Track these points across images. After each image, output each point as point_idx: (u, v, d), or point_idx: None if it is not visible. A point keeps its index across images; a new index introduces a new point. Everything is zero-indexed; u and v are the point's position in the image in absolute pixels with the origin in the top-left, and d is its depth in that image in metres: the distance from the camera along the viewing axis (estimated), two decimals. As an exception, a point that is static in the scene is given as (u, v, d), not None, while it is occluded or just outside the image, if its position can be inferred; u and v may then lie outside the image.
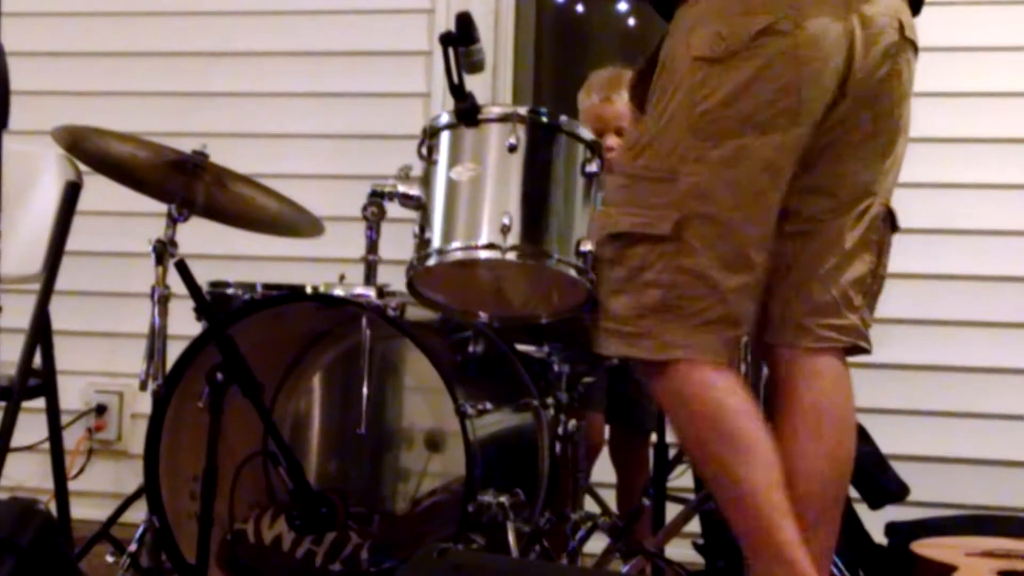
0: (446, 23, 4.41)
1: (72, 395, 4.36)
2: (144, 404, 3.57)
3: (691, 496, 3.31)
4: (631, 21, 5.07)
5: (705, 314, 2.45)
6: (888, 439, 3.60)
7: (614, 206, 2.58)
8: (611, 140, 3.63)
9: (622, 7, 5.07)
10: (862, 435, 3.53)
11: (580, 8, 5.28)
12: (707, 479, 2.59)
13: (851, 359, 2.67)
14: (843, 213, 2.57)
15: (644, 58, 2.60)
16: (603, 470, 3.77)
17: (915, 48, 2.56)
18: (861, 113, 2.51)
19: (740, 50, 2.39)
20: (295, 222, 3.52)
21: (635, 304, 2.49)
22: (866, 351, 2.67)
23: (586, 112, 3.76)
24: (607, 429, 3.81)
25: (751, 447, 2.45)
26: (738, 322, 2.50)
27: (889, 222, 2.66)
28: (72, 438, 4.33)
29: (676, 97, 2.45)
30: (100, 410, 4.69)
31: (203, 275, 3.14)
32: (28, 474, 4.30)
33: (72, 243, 3.54)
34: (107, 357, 4.66)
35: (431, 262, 2.92)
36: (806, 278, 2.59)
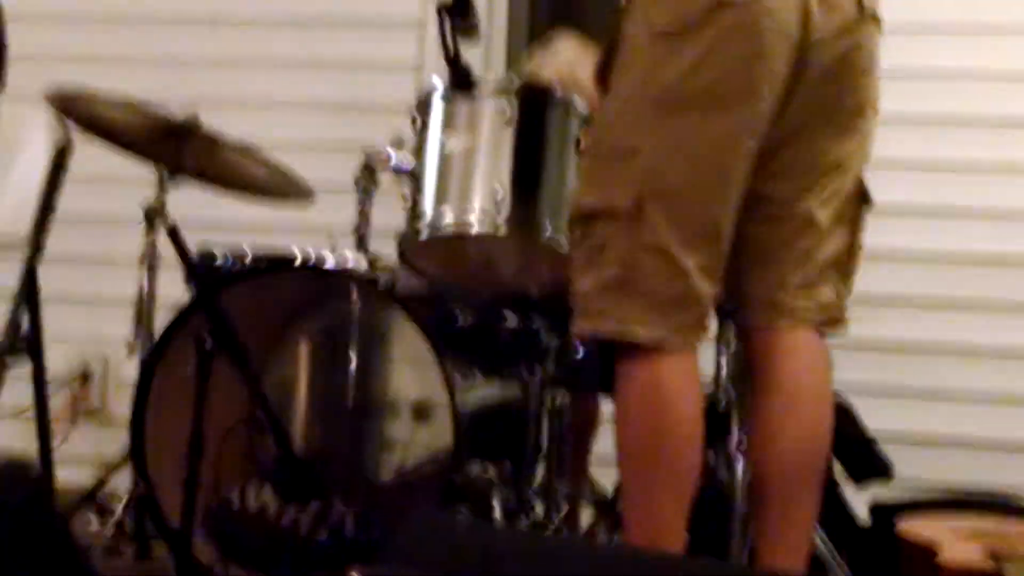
0: (439, -9, 4.42)
1: (56, 360, 4.34)
2: (129, 370, 3.55)
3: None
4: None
5: (665, 291, 2.43)
6: (874, 418, 3.60)
7: (580, 186, 2.58)
8: None
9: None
10: (847, 413, 3.54)
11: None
12: (621, 467, 2.55)
13: (838, 339, 2.67)
14: (815, 192, 2.57)
15: (606, 38, 2.58)
16: (605, 445, 3.75)
17: (877, 22, 2.55)
18: (824, 90, 2.50)
19: (697, 23, 2.38)
20: (285, 189, 3.51)
21: (597, 281, 2.46)
22: (843, 325, 2.67)
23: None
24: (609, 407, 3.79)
25: (677, 472, 2.47)
26: (699, 300, 2.47)
27: (862, 198, 2.66)
28: (56, 403, 4.31)
29: (635, 73, 2.45)
30: (85, 376, 4.67)
31: (191, 241, 3.13)
32: (10, 439, 4.28)
33: (58, 207, 3.52)
34: (92, 322, 4.64)
35: (423, 235, 2.92)
36: (782, 258, 2.58)
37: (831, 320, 2.64)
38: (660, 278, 2.42)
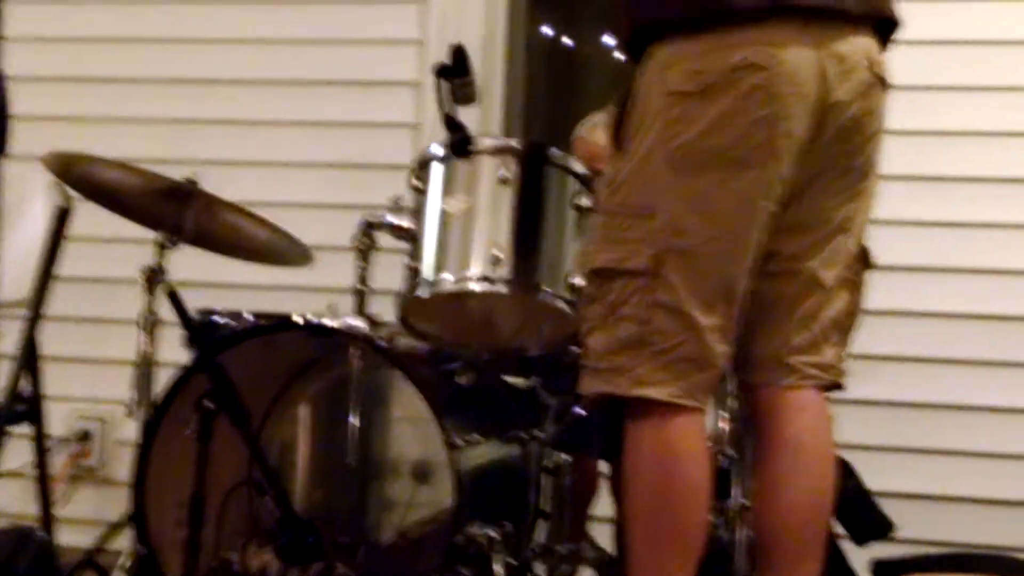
0: (436, 54, 4.43)
1: (55, 421, 4.34)
2: (128, 431, 3.55)
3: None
4: (618, 55, 5.09)
5: (680, 350, 2.44)
6: (874, 476, 3.59)
7: (593, 243, 2.58)
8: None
9: (609, 40, 5.09)
10: (847, 471, 3.54)
11: (569, 41, 5.30)
12: (628, 527, 2.54)
13: (837, 395, 2.68)
14: (820, 251, 2.58)
15: (618, 96, 2.60)
16: (602, 504, 3.74)
17: (885, 85, 2.57)
18: (835, 151, 2.51)
19: (717, 84, 2.39)
20: (284, 251, 3.51)
21: (611, 339, 2.47)
22: (841, 388, 2.68)
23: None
24: (607, 467, 3.77)
25: (686, 533, 2.46)
26: (714, 361, 2.48)
27: (864, 259, 2.67)
28: (55, 464, 4.30)
29: (652, 132, 2.45)
30: (84, 436, 4.67)
31: (191, 303, 3.14)
32: (10, 499, 4.28)
33: (58, 268, 3.53)
34: (90, 383, 4.64)
35: (422, 293, 2.93)
36: (788, 317, 2.59)
37: (833, 380, 2.65)
38: (676, 338, 2.44)
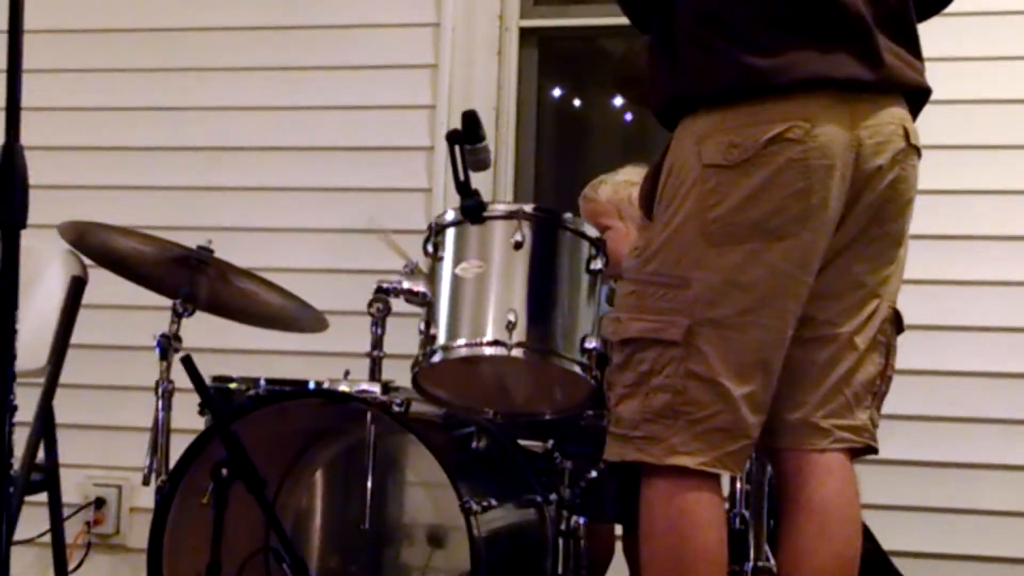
0: (447, 119, 4.49)
1: (70, 488, 4.34)
2: (142, 498, 3.56)
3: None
4: (627, 116, 5.11)
5: (713, 420, 2.44)
6: (890, 536, 3.58)
7: (624, 311, 2.57)
8: None
9: (618, 101, 5.12)
10: (864, 532, 3.53)
11: (577, 103, 5.33)
12: None
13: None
14: (854, 316, 2.58)
15: (651, 166, 2.61)
16: (617, 568, 3.73)
17: (919, 153, 2.59)
18: (870, 218, 2.53)
19: (752, 157, 2.40)
20: (299, 317, 3.52)
21: (643, 408, 2.48)
22: (875, 451, 2.67)
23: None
24: (620, 533, 3.75)
25: None
26: (747, 432, 2.48)
27: (896, 324, 2.67)
28: (70, 532, 4.30)
29: (686, 204, 2.46)
30: (99, 503, 4.67)
31: (206, 369, 3.14)
32: (25, 567, 4.28)
33: (72, 336, 3.54)
34: (105, 450, 4.65)
35: (436, 359, 2.94)
36: (821, 381, 2.59)
37: (866, 443, 2.65)
38: (710, 408, 2.44)
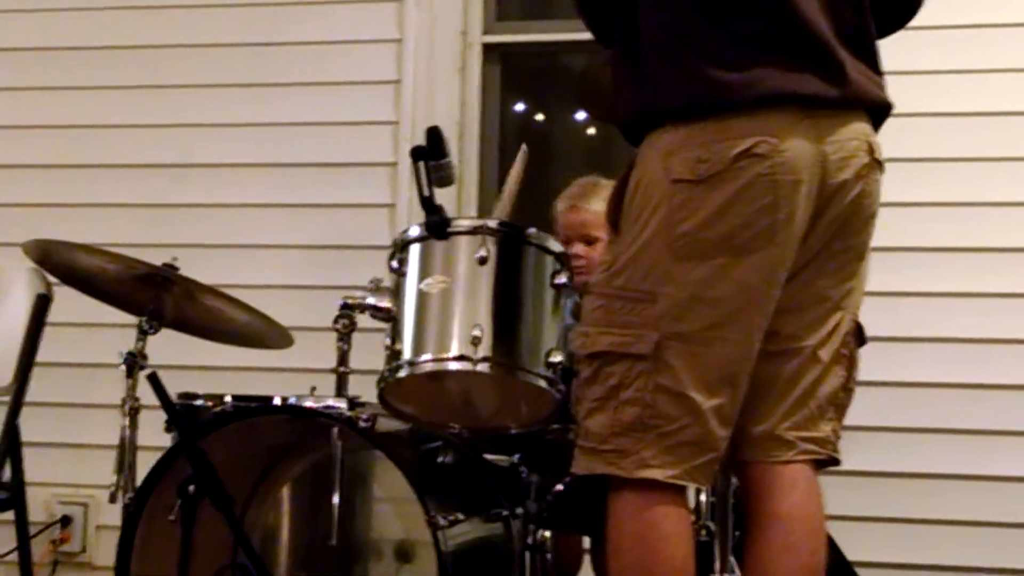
0: (411, 135, 4.50)
1: (37, 506, 4.33)
2: (109, 516, 3.55)
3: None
4: (591, 131, 5.13)
5: (683, 434, 2.45)
6: (853, 547, 3.61)
7: (592, 326, 2.57)
8: (578, 247, 3.62)
9: (581, 116, 5.14)
10: (828, 543, 3.55)
11: (540, 117, 5.35)
12: None
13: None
14: (818, 329, 2.60)
15: (617, 180, 2.62)
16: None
17: (882, 168, 2.61)
18: (833, 232, 2.55)
19: (721, 172, 2.41)
20: (264, 334, 3.53)
21: (612, 422, 2.48)
22: (838, 463, 2.68)
23: (556, 220, 3.79)
24: (588, 545, 3.77)
25: None
26: (715, 445, 2.49)
27: (858, 336, 2.70)
28: (37, 550, 4.29)
29: (654, 219, 2.47)
30: (65, 521, 4.66)
31: (172, 386, 3.15)
32: (-10, 586, 4.27)
33: (38, 354, 3.54)
34: (71, 468, 4.63)
35: (402, 374, 2.95)
36: (786, 394, 2.60)
37: (829, 454, 2.66)
38: (679, 422, 2.45)
